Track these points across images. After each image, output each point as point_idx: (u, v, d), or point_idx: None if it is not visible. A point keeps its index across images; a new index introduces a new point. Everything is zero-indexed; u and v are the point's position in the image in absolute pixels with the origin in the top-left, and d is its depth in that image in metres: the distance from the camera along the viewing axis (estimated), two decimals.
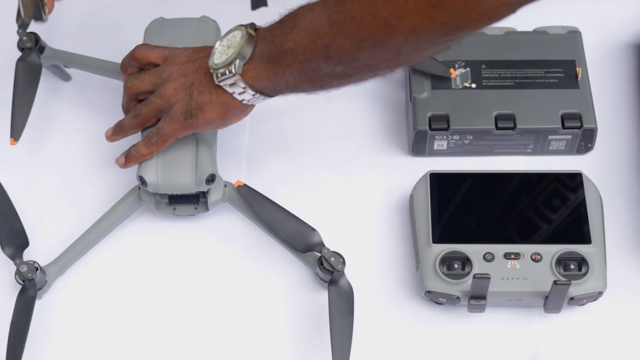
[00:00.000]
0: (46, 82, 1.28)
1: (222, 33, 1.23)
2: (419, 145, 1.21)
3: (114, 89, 1.27)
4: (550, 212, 1.13)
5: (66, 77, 1.29)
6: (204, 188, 1.14)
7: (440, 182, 1.16)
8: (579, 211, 1.13)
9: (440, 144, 1.20)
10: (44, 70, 1.23)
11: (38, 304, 1.12)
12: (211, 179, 1.13)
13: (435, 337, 1.12)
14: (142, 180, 1.13)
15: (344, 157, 1.23)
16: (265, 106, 1.27)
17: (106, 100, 1.28)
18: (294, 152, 1.24)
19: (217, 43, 1.09)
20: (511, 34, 1.25)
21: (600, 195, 1.15)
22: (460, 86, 1.21)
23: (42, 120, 1.26)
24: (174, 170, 1.13)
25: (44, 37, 1.26)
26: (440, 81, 1.21)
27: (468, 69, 1.22)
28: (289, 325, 1.13)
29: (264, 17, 1.12)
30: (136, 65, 1.16)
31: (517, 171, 1.17)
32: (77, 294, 1.14)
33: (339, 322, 1.07)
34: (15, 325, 1.08)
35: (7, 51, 1.29)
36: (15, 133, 1.18)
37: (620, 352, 1.11)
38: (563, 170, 1.17)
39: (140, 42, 1.23)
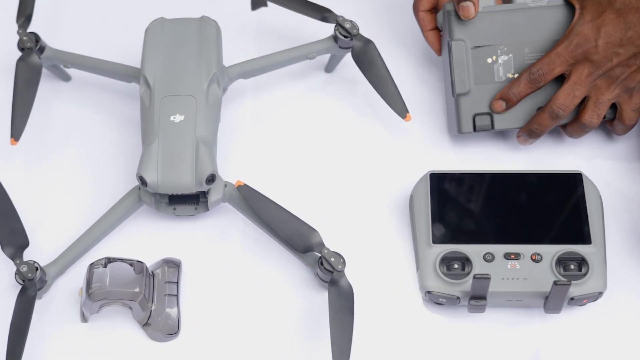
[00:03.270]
0: (46, 82, 1.28)
1: (222, 33, 1.23)
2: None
3: (114, 89, 1.27)
4: (550, 212, 1.13)
5: (66, 77, 1.29)
6: (204, 188, 1.14)
7: (440, 182, 1.16)
8: (579, 211, 1.13)
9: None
10: (44, 70, 1.23)
11: (38, 304, 1.12)
12: (211, 179, 1.13)
13: (435, 337, 1.12)
14: (142, 180, 1.13)
15: (344, 157, 1.23)
16: (265, 106, 1.27)
17: (106, 100, 1.28)
18: (294, 152, 1.24)
19: None
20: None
21: (600, 195, 1.15)
22: (504, 78, 1.19)
23: (42, 120, 1.26)
24: (174, 170, 1.13)
25: (44, 37, 1.26)
26: (483, 74, 1.18)
27: (511, 55, 1.18)
28: (289, 325, 1.13)
29: (264, 17, 1.12)
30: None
31: (517, 171, 1.17)
32: (77, 294, 1.14)
33: (339, 322, 1.07)
34: (15, 325, 1.08)
35: (7, 51, 1.29)
36: (16, 133, 1.18)
37: (620, 352, 1.11)
38: (563, 170, 1.17)
39: (140, 42, 1.23)
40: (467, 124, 1.19)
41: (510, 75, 1.18)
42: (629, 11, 1.12)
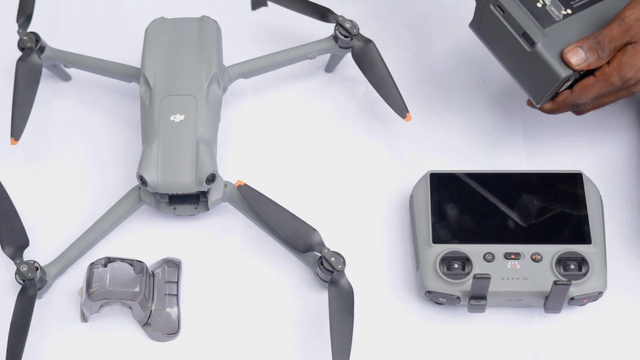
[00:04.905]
0: (46, 82, 1.28)
1: (222, 33, 1.23)
2: (552, 94, 1.13)
3: (114, 89, 1.27)
4: (550, 212, 1.13)
5: (66, 77, 1.29)
6: (204, 188, 1.14)
7: (440, 182, 1.16)
8: (579, 211, 1.13)
9: (568, 84, 1.13)
10: (44, 70, 1.23)
11: (38, 303, 1.12)
12: (211, 178, 1.13)
13: (435, 337, 1.12)
14: (142, 180, 1.13)
15: (344, 157, 1.23)
16: (265, 106, 1.27)
17: (106, 100, 1.28)
18: (294, 151, 1.24)
19: None
20: None
21: (600, 195, 1.15)
22: (561, 17, 1.12)
23: (42, 120, 1.26)
24: (174, 170, 1.13)
25: (44, 37, 1.26)
26: (541, 17, 1.11)
27: None
28: (289, 325, 1.13)
29: (264, 17, 1.12)
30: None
31: (517, 171, 1.17)
32: (77, 294, 1.14)
33: (339, 322, 1.07)
34: (15, 325, 1.08)
35: (8, 51, 1.29)
36: (16, 133, 1.18)
37: (620, 352, 1.11)
38: (563, 170, 1.17)
39: (140, 42, 1.23)
40: (561, 66, 1.10)
41: (565, 13, 1.12)
42: None
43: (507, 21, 1.12)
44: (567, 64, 1.09)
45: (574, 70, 1.09)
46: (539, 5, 1.12)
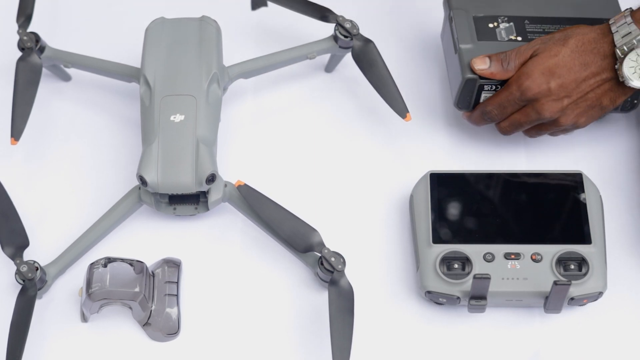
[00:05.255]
0: (46, 82, 1.28)
1: (222, 33, 1.23)
2: (465, 97, 1.19)
3: (114, 89, 1.27)
4: (550, 212, 1.13)
5: (66, 77, 1.29)
6: (204, 188, 1.14)
7: (440, 182, 1.16)
8: (579, 211, 1.13)
9: (486, 95, 1.19)
10: (44, 70, 1.23)
11: (38, 303, 1.12)
12: (211, 178, 1.13)
13: (435, 337, 1.12)
14: (142, 180, 1.13)
15: (344, 157, 1.23)
16: (265, 106, 1.27)
17: (106, 100, 1.28)
18: (294, 151, 1.24)
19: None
20: None
21: (600, 195, 1.15)
22: (506, 39, 1.20)
23: (42, 120, 1.26)
24: (174, 170, 1.13)
25: (44, 37, 1.26)
26: (485, 34, 1.20)
27: (512, 23, 1.20)
28: (289, 325, 1.13)
29: (264, 17, 1.12)
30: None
31: (517, 171, 1.17)
32: (77, 294, 1.14)
33: (339, 322, 1.07)
34: (15, 325, 1.08)
35: (8, 51, 1.29)
36: (16, 133, 1.18)
37: (620, 352, 1.11)
38: (563, 170, 1.17)
39: (141, 42, 1.23)
40: (467, 70, 1.17)
41: (512, 37, 1.20)
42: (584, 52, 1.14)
43: (452, 29, 1.20)
44: (472, 68, 1.16)
45: (476, 75, 1.16)
46: (490, 25, 1.20)
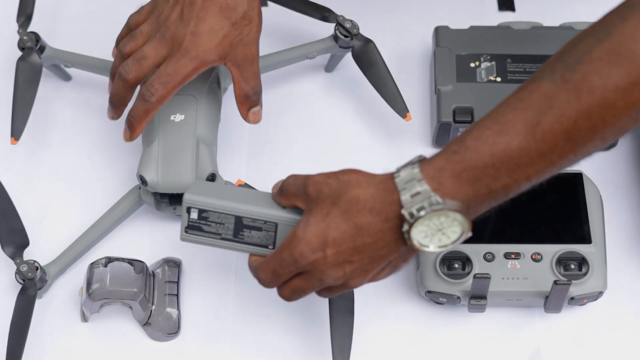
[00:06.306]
0: (46, 82, 1.28)
1: None
2: (442, 138, 1.21)
3: None
4: (550, 212, 1.13)
5: (66, 77, 1.29)
6: None
7: None
8: (579, 211, 1.13)
9: None
10: (44, 70, 1.23)
11: (38, 303, 1.12)
12: (211, 178, 1.13)
13: (435, 337, 1.12)
14: (143, 180, 1.13)
15: (344, 157, 1.23)
16: (265, 106, 1.27)
17: (106, 100, 1.27)
18: (294, 151, 1.24)
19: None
20: (537, 29, 1.24)
21: (600, 195, 1.15)
22: (486, 79, 1.21)
23: (42, 120, 1.26)
24: (174, 170, 1.13)
25: (44, 37, 1.26)
26: (465, 74, 1.21)
27: (493, 62, 1.21)
28: (289, 325, 1.13)
29: (265, 17, 1.12)
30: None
31: None
32: (77, 294, 1.14)
33: (339, 322, 1.07)
34: (15, 325, 1.08)
35: (8, 51, 1.29)
36: (16, 133, 1.18)
37: (620, 352, 1.11)
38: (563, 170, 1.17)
39: None
40: (447, 113, 1.19)
41: (492, 78, 1.21)
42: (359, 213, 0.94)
43: (434, 68, 1.23)
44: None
45: (451, 119, 1.18)
46: (472, 65, 1.21)
